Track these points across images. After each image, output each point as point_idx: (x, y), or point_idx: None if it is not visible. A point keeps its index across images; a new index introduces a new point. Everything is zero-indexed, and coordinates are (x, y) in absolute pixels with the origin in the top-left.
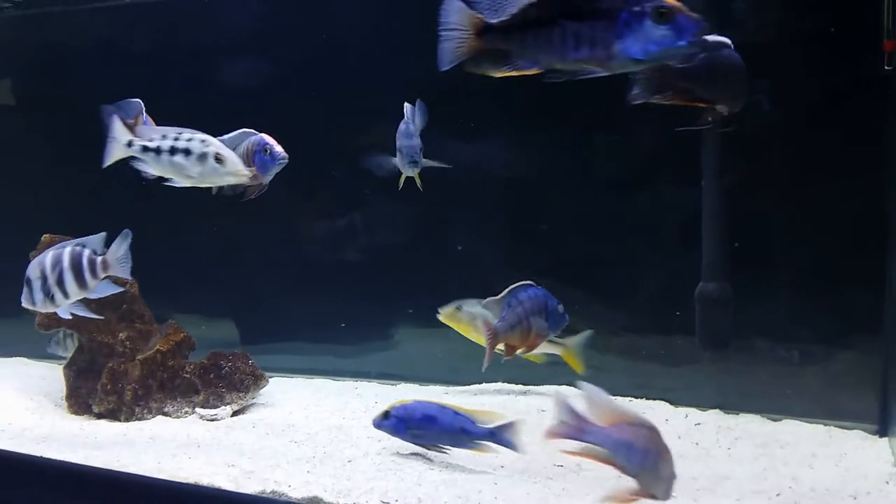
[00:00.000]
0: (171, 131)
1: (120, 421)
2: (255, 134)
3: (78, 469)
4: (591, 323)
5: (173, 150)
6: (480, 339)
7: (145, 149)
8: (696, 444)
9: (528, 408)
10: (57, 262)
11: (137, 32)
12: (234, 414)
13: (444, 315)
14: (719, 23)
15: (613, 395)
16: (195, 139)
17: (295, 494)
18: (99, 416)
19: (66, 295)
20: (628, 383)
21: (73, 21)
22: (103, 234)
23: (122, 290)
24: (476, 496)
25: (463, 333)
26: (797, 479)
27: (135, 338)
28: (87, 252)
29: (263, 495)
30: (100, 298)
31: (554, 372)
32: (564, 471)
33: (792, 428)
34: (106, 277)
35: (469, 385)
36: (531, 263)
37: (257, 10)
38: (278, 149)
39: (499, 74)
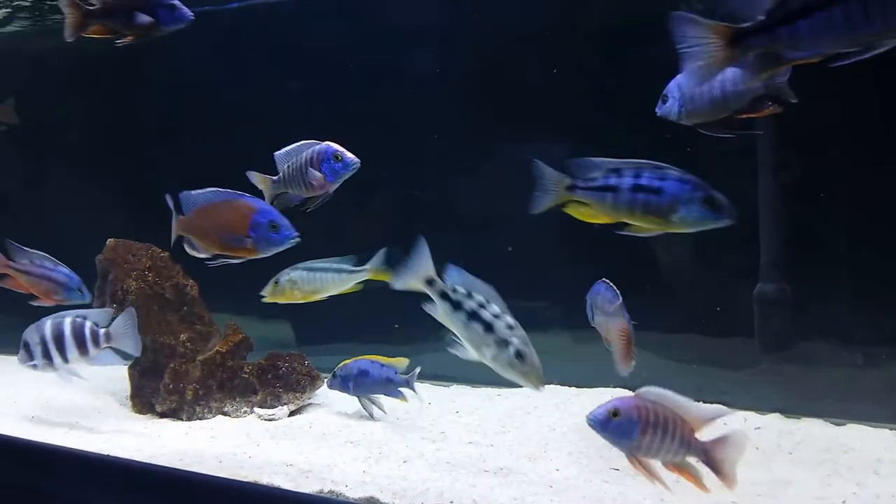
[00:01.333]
0: (477, 298)
1: (182, 420)
2: (317, 143)
3: (142, 467)
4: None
5: (473, 315)
6: (306, 298)
7: (444, 295)
8: (757, 448)
9: (582, 410)
10: (58, 332)
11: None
12: (291, 414)
13: (268, 295)
14: None
15: None
16: (503, 320)
17: (352, 494)
18: (162, 415)
19: (65, 360)
20: (685, 386)
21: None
22: (109, 309)
23: (126, 363)
24: (531, 499)
25: (291, 301)
26: (862, 485)
27: (195, 339)
28: (88, 324)
29: (321, 495)
30: (164, 299)
31: (608, 374)
32: (621, 475)
33: (856, 432)
34: (108, 347)
35: (521, 386)
36: (584, 265)
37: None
38: (350, 155)
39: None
